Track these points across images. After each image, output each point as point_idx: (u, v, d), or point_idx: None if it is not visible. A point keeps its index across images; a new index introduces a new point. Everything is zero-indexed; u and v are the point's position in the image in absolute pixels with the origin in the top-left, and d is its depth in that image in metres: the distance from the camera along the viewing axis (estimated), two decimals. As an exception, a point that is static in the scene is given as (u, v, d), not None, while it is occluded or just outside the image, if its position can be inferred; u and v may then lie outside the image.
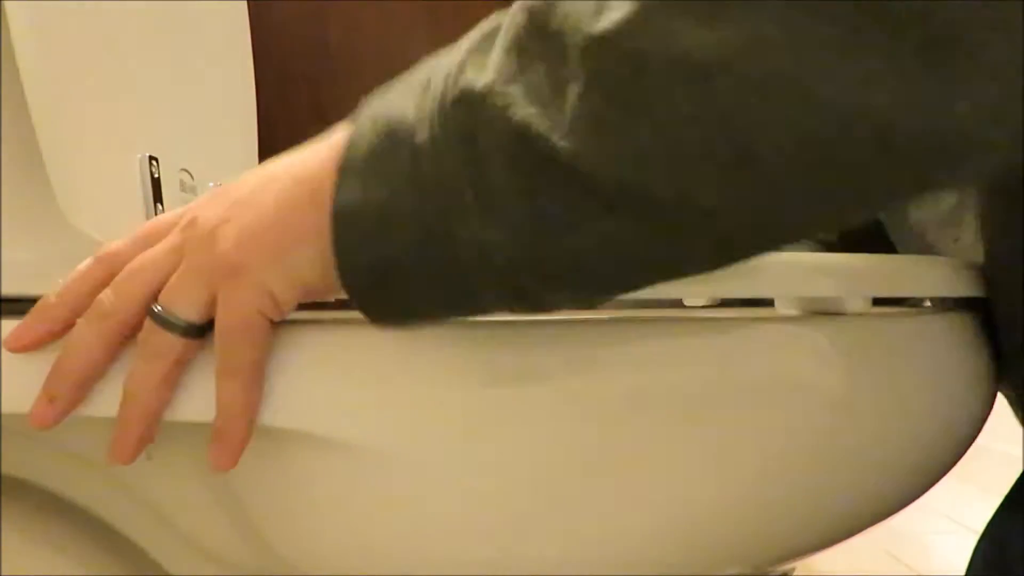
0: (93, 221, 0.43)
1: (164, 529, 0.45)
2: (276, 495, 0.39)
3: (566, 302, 0.33)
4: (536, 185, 0.29)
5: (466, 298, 0.32)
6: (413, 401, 0.36)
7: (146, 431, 0.36)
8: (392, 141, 0.32)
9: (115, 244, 0.37)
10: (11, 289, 0.41)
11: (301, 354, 0.36)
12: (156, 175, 0.64)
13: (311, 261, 0.34)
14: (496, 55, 0.31)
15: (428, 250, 0.31)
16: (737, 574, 0.44)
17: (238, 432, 0.35)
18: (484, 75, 0.30)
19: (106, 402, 0.36)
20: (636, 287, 0.33)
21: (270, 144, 0.97)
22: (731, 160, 0.27)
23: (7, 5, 0.43)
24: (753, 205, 0.29)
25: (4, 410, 0.37)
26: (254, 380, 0.35)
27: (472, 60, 0.31)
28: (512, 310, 0.33)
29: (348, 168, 0.33)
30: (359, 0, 1.11)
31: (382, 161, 0.32)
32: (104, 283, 0.36)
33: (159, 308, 0.35)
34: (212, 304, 0.35)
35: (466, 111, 0.30)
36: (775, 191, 0.28)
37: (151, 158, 0.64)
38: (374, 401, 0.36)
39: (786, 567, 0.48)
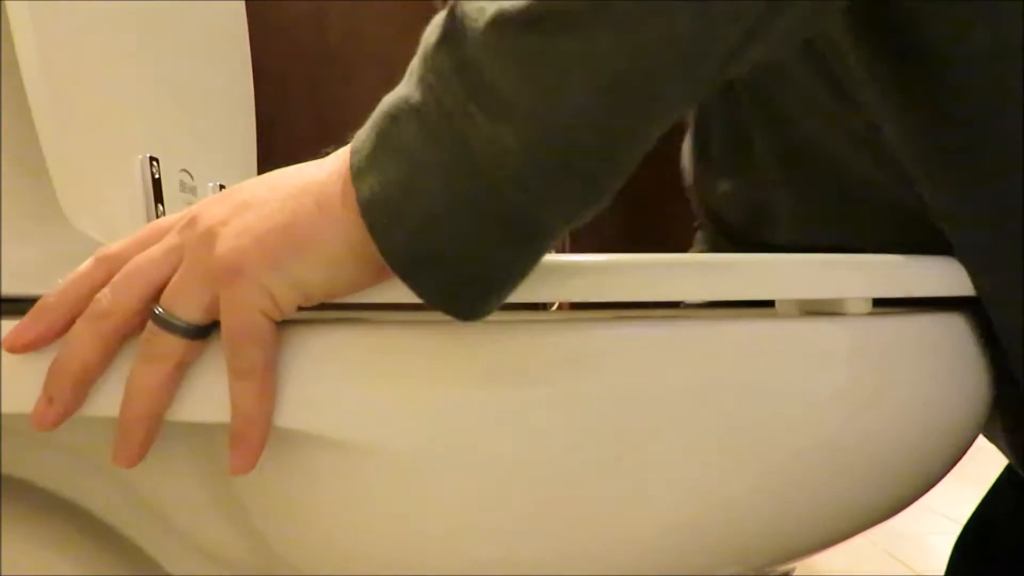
0: (94, 221, 0.43)
1: (164, 529, 0.45)
2: (276, 495, 0.39)
3: (593, 176, 0.32)
4: (520, 53, 0.30)
5: (503, 215, 0.32)
6: (413, 401, 0.36)
7: (148, 433, 0.36)
8: (393, 120, 0.32)
9: (116, 245, 0.37)
10: (11, 289, 0.41)
11: (301, 354, 0.36)
12: (156, 175, 0.64)
13: (312, 267, 0.34)
14: None
15: (455, 184, 0.31)
16: (737, 574, 0.44)
17: (256, 434, 0.35)
18: (453, 9, 0.32)
19: (107, 402, 0.36)
20: (652, 119, 0.32)
21: (270, 144, 0.97)
22: None
23: (7, 5, 0.43)
24: None
25: (4, 410, 0.37)
26: (266, 381, 0.35)
27: (440, 16, 0.32)
28: (549, 213, 0.32)
29: (358, 165, 0.33)
30: (359, 1, 1.11)
31: (389, 142, 0.32)
32: (104, 283, 0.36)
33: (160, 310, 0.35)
34: (214, 305, 0.34)
35: (449, 45, 0.31)
36: None
37: (151, 158, 0.64)
38: (374, 401, 0.36)
39: (786, 567, 0.48)
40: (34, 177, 0.42)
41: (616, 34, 0.30)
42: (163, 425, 0.36)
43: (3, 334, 0.36)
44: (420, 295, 0.33)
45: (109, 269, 0.36)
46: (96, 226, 0.43)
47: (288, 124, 1.06)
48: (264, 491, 0.39)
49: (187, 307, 0.35)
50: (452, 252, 0.32)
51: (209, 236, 0.34)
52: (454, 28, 0.31)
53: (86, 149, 0.56)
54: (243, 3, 0.93)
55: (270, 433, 0.36)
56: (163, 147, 0.67)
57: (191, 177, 0.73)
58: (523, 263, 0.34)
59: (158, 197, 0.64)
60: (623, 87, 0.31)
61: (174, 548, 0.46)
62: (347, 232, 0.33)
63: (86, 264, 0.37)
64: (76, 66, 0.56)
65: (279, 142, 1.03)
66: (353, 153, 0.33)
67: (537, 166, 0.31)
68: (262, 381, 0.35)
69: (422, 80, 0.32)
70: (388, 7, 1.12)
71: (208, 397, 0.36)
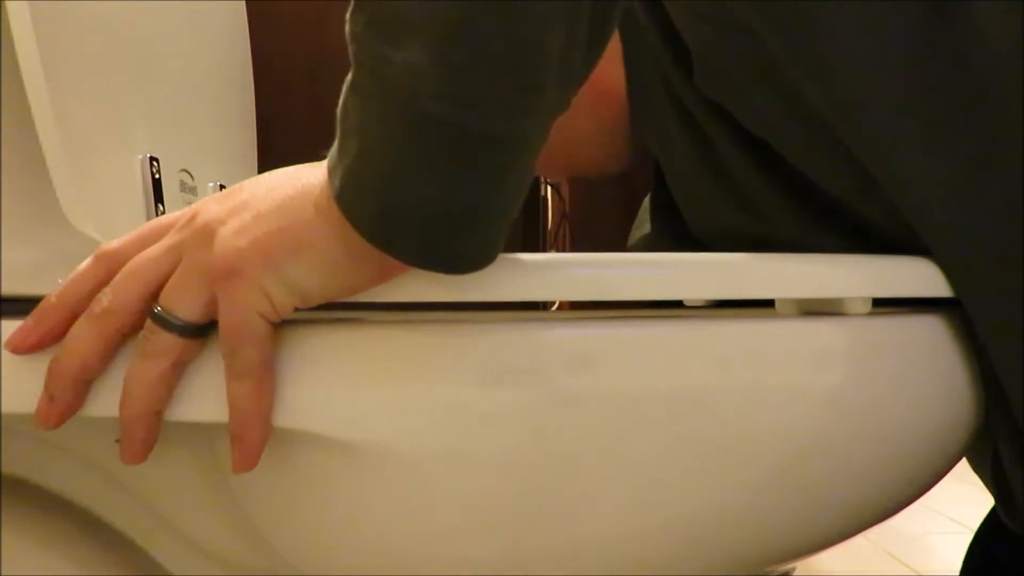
0: (94, 221, 0.43)
1: (164, 529, 0.45)
2: (276, 495, 0.39)
3: (506, 64, 0.31)
4: None
5: (441, 138, 0.31)
6: (413, 401, 0.36)
7: (148, 431, 0.36)
8: (343, 107, 0.33)
9: (115, 243, 0.37)
10: (11, 289, 0.41)
11: (301, 354, 0.36)
12: (156, 175, 0.65)
13: (309, 271, 0.34)
14: None
15: (392, 129, 0.31)
16: (737, 574, 0.44)
17: (254, 433, 0.35)
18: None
19: (109, 401, 0.36)
20: (545, 33, 0.31)
21: (270, 144, 0.97)
22: None
23: (7, 5, 0.43)
24: None
25: (4, 410, 0.37)
26: (263, 380, 0.35)
27: None
28: (483, 117, 0.31)
29: (331, 163, 0.34)
30: (359, 0, 1.11)
31: (345, 128, 0.33)
32: (104, 282, 0.36)
33: (159, 308, 0.35)
34: (212, 304, 0.35)
35: (359, 8, 0.32)
36: None
37: (151, 158, 0.64)
38: (374, 401, 0.36)
39: (786, 567, 0.48)
40: (34, 177, 0.42)
41: None
42: (164, 425, 0.36)
43: (3, 334, 0.36)
44: (402, 259, 0.33)
45: (109, 267, 0.36)
46: (96, 226, 0.43)
47: (288, 124, 1.06)
48: (264, 491, 0.39)
49: (185, 306, 0.35)
50: (413, 200, 0.32)
51: (207, 235, 0.35)
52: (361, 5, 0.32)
53: (86, 149, 0.56)
54: (243, 3, 0.93)
55: (270, 432, 0.36)
56: (163, 147, 0.67)
57: (191, 177, 0.73)
58: (484, 188, 0.33)
59: (158, 197, 0.64)
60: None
61: (174, 548, 0.46)
62: (344, 236, 0.33)
63: (86, 263, 0.37)
64: (76, 66, 0.56)
65: (279, 142, 1.03)
66: (330, 155, 0.34)
67: (450, 70, 0.30)
68: (259, 381, 0.35)
69: (352, 56, 0.32)
70: (388, 7, 1.12)
71: (208, 397, 0.36)
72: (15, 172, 0.42)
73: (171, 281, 0.35)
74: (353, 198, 0.33)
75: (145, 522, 0.46)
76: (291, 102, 1.07)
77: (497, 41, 0.30)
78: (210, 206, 0.36)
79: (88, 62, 0.58)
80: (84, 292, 0.36)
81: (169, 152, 0.68)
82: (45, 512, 0.46)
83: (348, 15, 0.32)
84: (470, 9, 0.30)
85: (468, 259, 0.34)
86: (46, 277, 0.38)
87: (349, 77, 0.33)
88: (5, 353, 0.36)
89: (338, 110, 0.34)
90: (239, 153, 0.90)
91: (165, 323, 0.35)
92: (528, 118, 0.32)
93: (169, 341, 0.35)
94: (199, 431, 0.38)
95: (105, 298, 0.35)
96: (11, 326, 0.36)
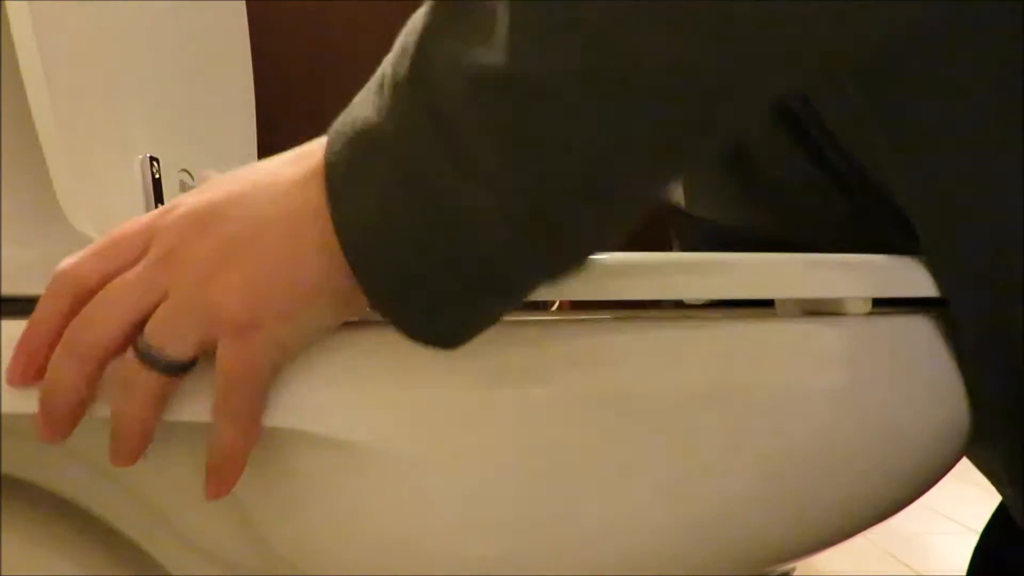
0: (94, 221, 0.43)
1: (164, 529, 0.45)
2: (276, 495, 0.39)
3: (593, 235, 0.32)
4: (495, 119, 0.29)
5: (486, 272, 0.31)
6: (413, 401, 0.36)
7: (140, 441, 0.35)
8: (365, 148, 0.31)
9: (71, 261, 0.35)
10: (11, 289, 0.41)
11: (301, 355, 0.36)
12: (156, 176, 0.64)
13: (324, 312, 0.34)
14: (427, 19, 0.31)
15: (433, 235, 0.31)
16: (737, 574, 0.44)
17: (236, 468, 0.35)
18: (424, 44, 0.30)
19: (106, 406, 0.36)
20: (637, 179, 0.31)
21: (270, 144, 0.97)
22: (672, 17, 0.28)
23: (7, 5, 0.43)
24: (695, 49, 0.28)
25: (4, 410, 0.37)
26: (253, 424, 0.35)
27: (409, 40, 0.31)
28: (526, 274, 0.32)
29: (336, 188, 0.32)
30: (359, 0, 1.11)
31: (364, 174, 0.31)
32: (72, 307, 0.34)
33: (145, 345, 0.33)
34: (204, 344, 0.33)
35: (418, 85, 0.30)
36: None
37: (151, 159, 0.64)
38: (374, 401, 0.36)
39: (786, 567, 0.48)
40: (34, 177, 0.42)
41: (599, 111, 0.29)
42: (163, 425, 0.36)
43: (3, 334, 0.36)
44: (401, 328, 0.33)
45: (73, 291, 0.34)
46: (96, 226, 0.43)
47: (288, 124, 1.06)
48: (264, 491, 0.39)
49: (177, 346, 0.33)
50: (437, 299, 0.32)
51: (204, 281, 0.33)
52: (424, 67, 0.30)
53: (86, 149, 0.56)
54: (243, 2, 0.93)
55: (269, 433, 0.36)
56: (163, 147, 0.67)
57: (191, 177, 0.73)
58: (502, 310, 0.34)
59: (158, 197, 0.64)
60: (599, 167, 0.30)
61: (174, 548, 0.46)
62: (350, 269, 0.33)
63: (49, 290, 0.35)
64: (76, 66, 0.56)
65: (279, 142, 1.03)
66: (328, 173, 0.32)
67: (512, 231, 0.30)
68: (248, 424, 0.34)
69: (392, 113, 0.31)
70: (388, 7, 1.12)
71: (207, 397, 0.36)
72: (15, 172, 0.42)
73: (161, 319, 0.33)
74: (368, 266, 0.32)
75: (145, 522, 0.46)
76: (291, 102, 1.07)
77: (562, 234, 0.32)
78: (192, 237, 0.33)
79: (88, 62, 0.58)
80: (54, 322, 0.34)
81: (169, 152, 0.67)
82: (45, 512, 0.46)
83: (404, 69, 0.31)
84: (537, 198, 0.30)
85: (466, 339, 0.34)
86: (46, 277, 0.38)
87: (382, 119, 0.31)
88: (4, 353, 0.36)
89: (356, 127, 0.32)
90: (239, 153, 0.90)
91: (154, 361, 0.33)
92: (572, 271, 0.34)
93: (154, 379, 0.34)
94: (199, 431, 0.38)
95: (87, 336, 0.34)
96: (11, 326, 0.36)
